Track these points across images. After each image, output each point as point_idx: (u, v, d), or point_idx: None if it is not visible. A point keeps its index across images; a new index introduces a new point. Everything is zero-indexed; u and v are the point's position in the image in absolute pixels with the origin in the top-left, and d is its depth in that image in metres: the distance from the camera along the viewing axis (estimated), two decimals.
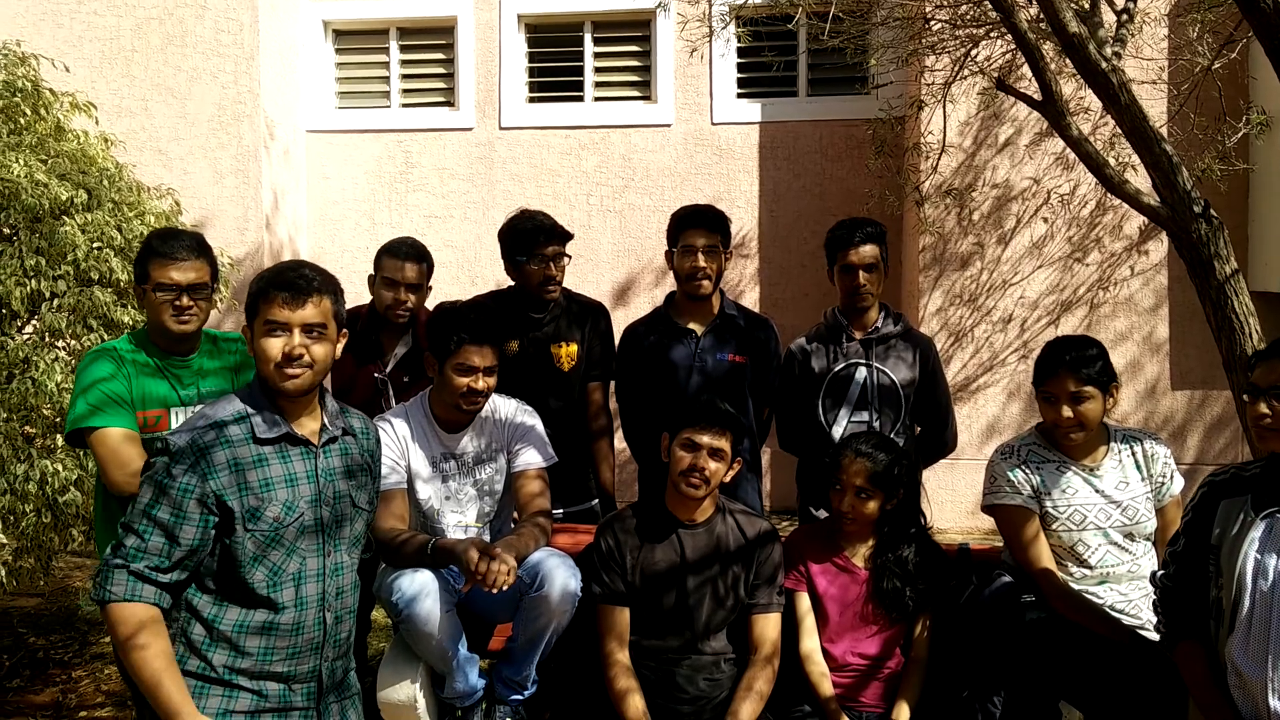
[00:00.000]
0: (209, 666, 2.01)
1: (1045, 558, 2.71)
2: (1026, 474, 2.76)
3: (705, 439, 2.67)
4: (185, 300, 2.63)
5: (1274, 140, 5.56)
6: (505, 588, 2.47)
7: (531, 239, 3.36)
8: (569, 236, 3.45)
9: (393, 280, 3.37)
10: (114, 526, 2.34)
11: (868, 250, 3.25)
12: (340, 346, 2.16)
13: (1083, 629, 2.62)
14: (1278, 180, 5.61)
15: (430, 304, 3.47)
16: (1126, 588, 2.72)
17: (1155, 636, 2.61)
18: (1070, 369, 2.66)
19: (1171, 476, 2.79)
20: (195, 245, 2.70)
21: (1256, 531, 2.13)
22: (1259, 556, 2.10)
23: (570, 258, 3.46)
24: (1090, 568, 2.72)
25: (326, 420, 2.17)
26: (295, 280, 2.05)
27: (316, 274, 2.10)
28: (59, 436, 3.51)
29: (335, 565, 2.14)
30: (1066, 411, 2.68)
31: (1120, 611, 2.69)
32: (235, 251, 6.04)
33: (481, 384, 2.80)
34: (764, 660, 2.69)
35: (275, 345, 2.03)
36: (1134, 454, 2.79)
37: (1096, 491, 2.74)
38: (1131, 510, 2.73)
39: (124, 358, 2.63)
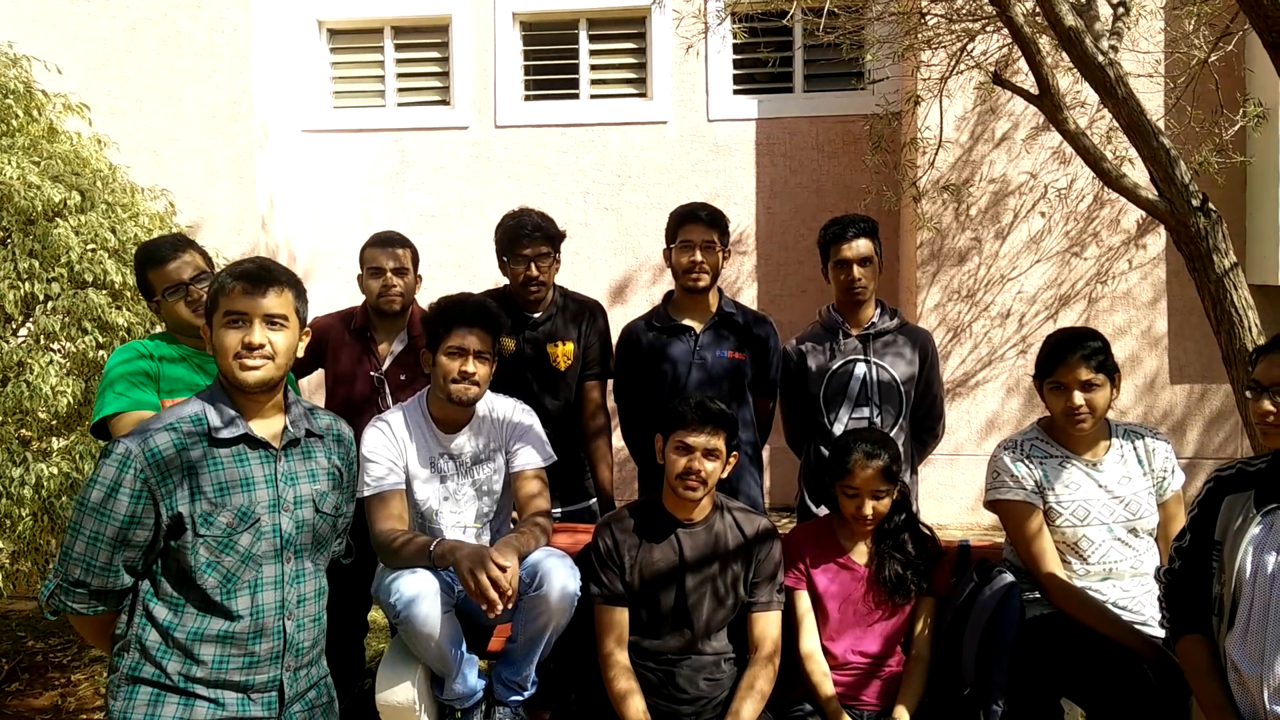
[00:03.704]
0: (164, 674, 1.95)
1: (1049, 554, 2.70)
2: (1029, 468, 2.75)
3: (698, 440, 2.64)
4: (194, 292, 2.73)
5: (1271, 133, 5.55)
6: (507, 606, 2.46)
7: (512, 239, 3.33)
8: (556, 237, 3.39)
9: (377, 268, 3.38)
10: None
11: (861, 245, 3.25)
12: (303, 346, 2.12)
13: (1084, 626, 2.61)
14: (1275, 173, 5.60)
15: (425, 302, 3.46)
16: (1129, 584, 2.71)
17: (1158, 632, 2.60)
18: (1082, 356, 2.66)
19: (1173, 471, 2.78)
20: (181, 242, 2.85)
21: (1256, 528, 2.13)
22: (1257, 554, 2.10)
23: (558, 259, 3.42)
24: (1093, 564, 2.71)
25: (289, 422, 2.11)
26: (255, 271, 2.02)
27: (277, 266, 2.08)
28: (55, 440, 3.50)
29: (296, 572, 2.08)
30: (1078, 398, 2.67)
31: (1122, 608, 2.68)
32: (231, 252, 6.01)
33: (471, 367, 2.73)
34: (765, 659, 2.68)
35: (234, 336, 1.99)
36: (1135, 449, 2.78)
37: (1099, 486, 2.73)
38: (1134, 505, 2.72)
39: (150, 352, 2.74)
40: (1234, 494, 2.22)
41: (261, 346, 1.99)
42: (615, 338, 3.54)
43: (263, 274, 2.02)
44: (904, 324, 3.37)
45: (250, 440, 2.03)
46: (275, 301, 2.02)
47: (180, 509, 1.93)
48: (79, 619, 2.01)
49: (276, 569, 2.04)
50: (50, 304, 3.47)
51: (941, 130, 5.74)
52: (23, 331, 3.57)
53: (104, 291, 3.55)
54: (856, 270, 3.25)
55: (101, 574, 1.93)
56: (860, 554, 2.80)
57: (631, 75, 6.92)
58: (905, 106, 5.84)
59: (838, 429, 3.24)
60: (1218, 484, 2.28)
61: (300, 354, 2.13)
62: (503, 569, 2.46)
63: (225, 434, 2.00)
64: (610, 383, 3.57)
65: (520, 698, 2.80)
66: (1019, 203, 6.10)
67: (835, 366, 3.28)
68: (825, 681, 2.69)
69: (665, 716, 2.64)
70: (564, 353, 3.41)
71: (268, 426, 2.07)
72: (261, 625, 2.01)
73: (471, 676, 2.77)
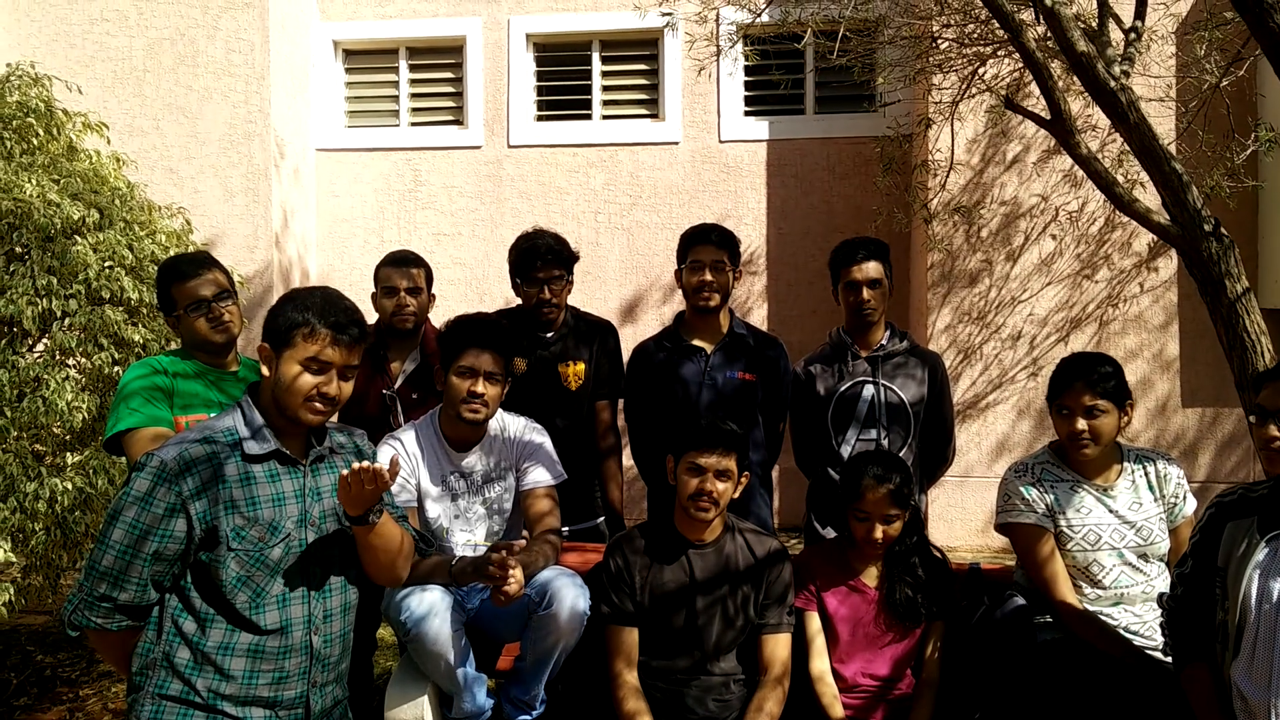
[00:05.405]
0: (192, 691, 1.95)
1: (1061, 578, 2.69)
2: (1040, 492, 2.75)
3: (710, 461, 2.65)
4: (215, 309, 2.80)
5: None
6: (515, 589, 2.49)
7: (527, 262, 3.36)
8: (570, 259, 3.42)
9: (391, 288, 3.41)
10: None
11: (871, 267, 3.26)
12: None
13: (1096, 650, 2.60)
14: None
15: (439, 321, 3.48)
16: (1140, 609, 2.70)
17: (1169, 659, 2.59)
18: (1086, 382, 2.66)
19: (1184, 497, 2.77)
20: (205, 259, 2.90)
21: (1261, 554, 2.11)
22: (1263, 580, 2.09)
23: (571, 281, 3.45)
24: (1104, 588, 2.70)
25: (314, 438, 2.15)
26: (349, 325, 2.05)
27: (365, 321, 2.12)
28: (69, 455, 3.52)
29: (323, 587, 2.09)
30: (1080, 424, 2.67)
31: (1134, 633, 2.67)
32: (245, 270, 6.07)
33: (481, 387, 2.76)
34: (774, 681, 2.68)
35: (309, 381, 2.01)
36: (1147, 474, 2.77)
37: (1110, 511, 2.72)
38: (1145, 530, 2.71)
39: (165, 368, 2.78)
40: (1236, 520, 2.20)
41: (334, 398, 2.04)
42: (626, 358, 3.55)
43: (357, 333, 2.06)
44: (914, 346, 3.37)
45: (281, 456, 2.06)
46: (357, 355, 2.08)
47: (215, 522, 1.95)
48: (99, 635, 2.00)
49: (304, 584, 2.06)
50: (67, 320, 3.50)
51: (953, 153, 5.76)
52: (39, 347, 3.61)
53: (120, 308, 3.59)
54: (866, 292, 3.25)
55: (130, 588, 1.93)
56: (871, 577, 2.79)
57: (643, 96, 6.96)
58: (916, 129, 5.86)
59: (845, 451, 3.24)
60: (1219, 510, 2.26)
61: None
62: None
63: (257, 449, 2.02)
64: (620, 402, 3.58)
65: (529, 717, 2.79)
66: (1030, 225, 6.11)
67: (843, 388, 3.28)
68: (835, 704, 2.68)
69: None
70: (575, 373, 3.43)
71: (293, 443, 2.10)
72: (289, 641, 2.02)
73: (480, 695, 2.77)
